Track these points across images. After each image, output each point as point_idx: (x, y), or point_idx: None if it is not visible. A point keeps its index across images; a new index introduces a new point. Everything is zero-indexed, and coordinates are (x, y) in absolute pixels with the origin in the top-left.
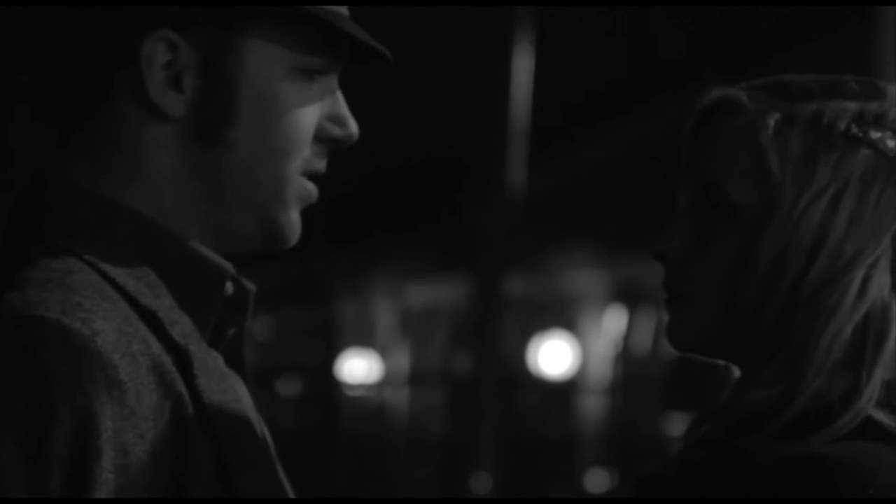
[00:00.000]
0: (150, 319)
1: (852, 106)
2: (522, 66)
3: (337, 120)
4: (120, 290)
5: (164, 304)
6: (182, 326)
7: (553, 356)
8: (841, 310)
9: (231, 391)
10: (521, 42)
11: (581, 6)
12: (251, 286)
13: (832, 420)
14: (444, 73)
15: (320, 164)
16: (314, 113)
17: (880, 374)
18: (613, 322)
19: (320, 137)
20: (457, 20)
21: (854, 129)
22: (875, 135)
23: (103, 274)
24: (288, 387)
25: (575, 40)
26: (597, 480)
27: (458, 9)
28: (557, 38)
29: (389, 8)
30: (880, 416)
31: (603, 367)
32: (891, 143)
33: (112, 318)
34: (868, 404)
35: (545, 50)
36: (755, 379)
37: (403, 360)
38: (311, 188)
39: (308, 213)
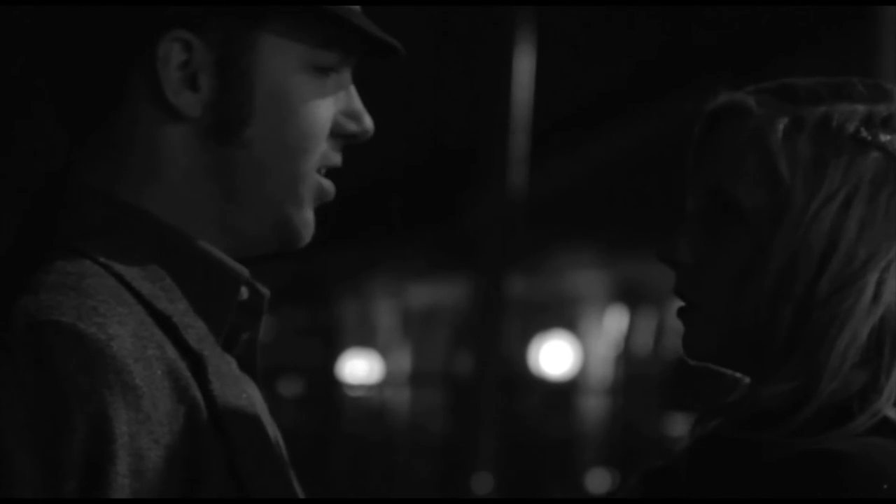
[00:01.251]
0: (165, 324)
1: (860, 108)
2: (524, 67)
3: (352, 115)
4: (135, 293)
5: (178, 308)
6: (197, 331)
7: (554, 356)
8: (856, 314)
9: (245, 396)
10: (522, 42)
11: (582, 6)
12: (265, 291)
13: (850, 419)
14: (445, 74)
15: (336, 158)
16: (329, 108)
17: None
18: (614, 322)
19: (336, 133)
20: (458, 20)
21: (863, 132)
22: (884, 137)
23: (119, 277)
24: (289, 387)
25: (576, 40)
26: (598, 481)
27: (459, 9)
28: (559, 38)
29: (390, 8)
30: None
31: (604, 368)
32: None
33: (127, 322)
34: (887, 404)
35: (546, 50)
36: (769, 379)
37: (404, 361)
38: (328, 185)
39: None
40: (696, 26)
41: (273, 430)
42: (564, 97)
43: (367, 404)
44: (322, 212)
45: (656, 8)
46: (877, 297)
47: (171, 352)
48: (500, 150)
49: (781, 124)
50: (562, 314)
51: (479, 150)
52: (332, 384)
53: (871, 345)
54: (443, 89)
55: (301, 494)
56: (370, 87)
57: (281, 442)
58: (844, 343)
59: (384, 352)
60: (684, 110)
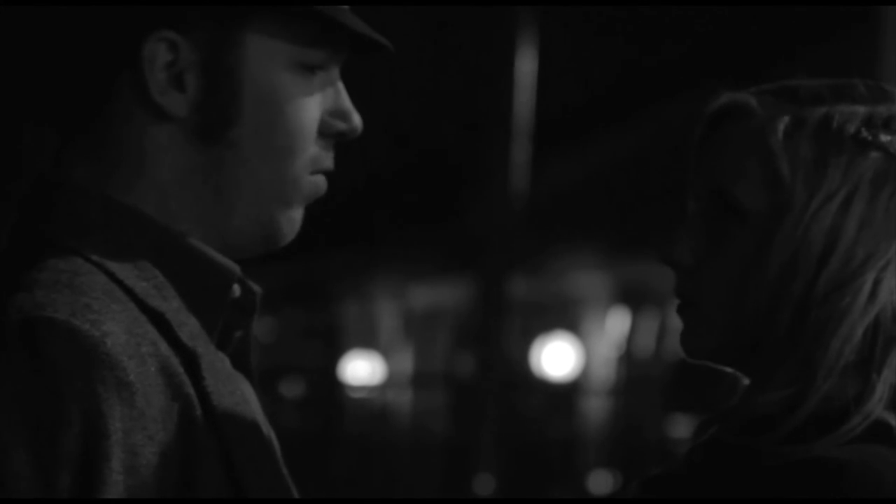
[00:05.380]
0: (159, 321)
1: (861, 109)
2: (525, 68)
3: (340, 114)
4: (128, 291)
5: (172, 306)
6: (190, 328)
7: (556, 358)
8: (852, 313)
9: (238, 393)
10: (524, 44)
11: (583, 7)
12: (257, 288)
13: (842, 423)
14: (446, 75)
15: (328, 161)
16: (316, 108)
17: (890, 376)
18: (616, 323)
19: (324, 132)
20: (460, 21)
21: (864, 133)
22: (885, 138)
23: (111, 275)
24: (291, 388)
25: (578, 42)
26: (600, 482)
27: (460, 10)
28: (560, 40)
29: (391, 8)
30: (890, 418)
31: (606, 369)
32: None
33: (121, 319)
34: (878, 406)
35: (548, 52)
36: (766, 381)
37: (406, 362)
38: (320, 181)
39: (311, 215)
40: (699, 28)
41: (267, 428)
42: (566, 99)
43: (369, 405)
44: (323, 213)
45: (659, 10)
46: (872, 296)
47: (165, 349)
48: (502, 151)
49: (782, 124)
50: (564, 315)
51: (482, 151)
52: (334, 385)
53: (866, 344)
54: (444, 91)
55: (295, 492)
56: (371, 88)
57: (275, 439)
58: (840, 341)
59: (386, 353)
60: (687, 112)
